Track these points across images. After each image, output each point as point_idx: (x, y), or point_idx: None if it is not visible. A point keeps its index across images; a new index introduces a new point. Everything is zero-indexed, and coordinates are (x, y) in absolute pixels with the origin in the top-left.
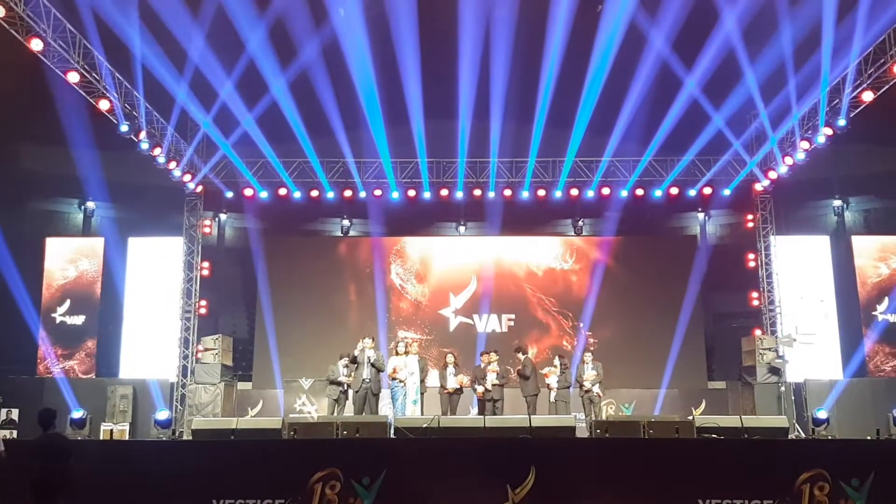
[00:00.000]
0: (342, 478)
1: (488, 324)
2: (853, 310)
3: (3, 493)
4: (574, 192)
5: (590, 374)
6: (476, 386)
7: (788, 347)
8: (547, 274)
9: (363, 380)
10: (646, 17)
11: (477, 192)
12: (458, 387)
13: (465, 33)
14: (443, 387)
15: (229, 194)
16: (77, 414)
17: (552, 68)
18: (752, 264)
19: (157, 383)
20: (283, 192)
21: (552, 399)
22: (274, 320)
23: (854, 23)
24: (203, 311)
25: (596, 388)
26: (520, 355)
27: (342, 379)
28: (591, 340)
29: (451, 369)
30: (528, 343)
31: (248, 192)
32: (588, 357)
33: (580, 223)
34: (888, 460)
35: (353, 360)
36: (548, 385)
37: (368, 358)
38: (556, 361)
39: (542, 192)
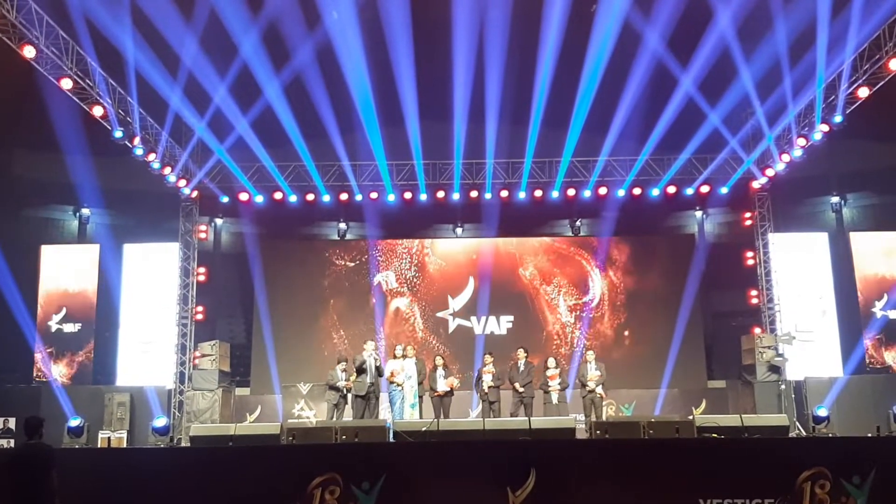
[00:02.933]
0: (342, 482)
1: (487, 325)
2: (852, 307)
3: None
4: (571, 192)
5: (594, 374)
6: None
7: (788, 345)
8: (545, 275)
9: (370, 384)
10: (640, 15)
11: (473, 194)
12: (449, 389)
13: (460, 34)
14: (432, 389)
15: (225, 199)
16: (74, 422)
17: (547, 68)
18: (750, 262)
19: (155, 390)
20: (278, 196)
21: (555, 401)
22: (271, 325)
23: (849, 19)
24: (200, 316)
25: (599, 389)
26: (520, 352)
27: (340, 384)
28: (591, 341)
29: (440, 371)
30: (526, 345)
31: (244, 196)
32: (591, 356)
33: (577, 223)
34: (889, 457)
35: (361, 369)
36: (549, 387)
37: (375, 360)
38: (553, 362)
39: (538, 193)
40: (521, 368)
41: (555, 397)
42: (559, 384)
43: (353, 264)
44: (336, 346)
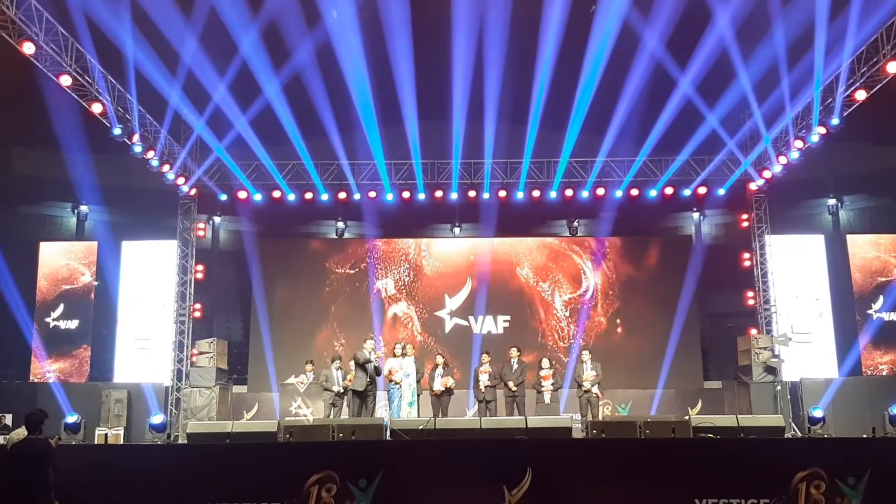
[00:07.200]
0: (338, 480)
1: (484, 325)
2: (848, 308)
3: None
4: (569, 192)
5: (589, 374)
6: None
7: (784, 346)
8: (542, 275)
9: (367, 381)
10: (639, 16)
11: (471, 194)
12: (444, 388)
13: (459, 34)
14: (430, 388)
15: (223, 197)
16: (71, 419)
17: (546, 68)
18: (747, 264)
19: (152, 387)
20: (277, 194)
21: (548, 401)
22: (269, 323)
23: (847, 22)
24: (197, 314)
25: (595, 389)
26: (513, 351)
27: (337, 388)
28: (587, 341)
29: (439, 370)
30: (522, 344)
31: (242, 194)
32: (587, 356)
33: (575, 224)
34: (884, 458)
35: (363, 366)
36: (541, 387)
37: (374, 359)
38: (546, 363)
39: (536, 193)
40: (515, 367)
41: (547, 397)
42: (552, 384)
43: (351, 266)
44: (333, 344)
